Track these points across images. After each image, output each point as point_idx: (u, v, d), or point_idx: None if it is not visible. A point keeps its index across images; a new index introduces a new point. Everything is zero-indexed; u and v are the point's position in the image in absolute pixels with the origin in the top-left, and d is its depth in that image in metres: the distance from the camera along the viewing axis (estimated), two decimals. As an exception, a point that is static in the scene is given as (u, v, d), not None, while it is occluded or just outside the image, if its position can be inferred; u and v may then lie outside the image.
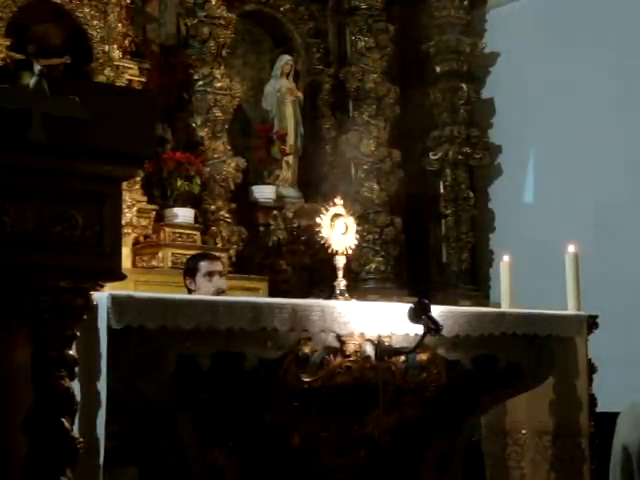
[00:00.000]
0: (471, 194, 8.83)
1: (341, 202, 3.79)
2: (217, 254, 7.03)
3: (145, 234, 7.22)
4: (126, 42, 7.39)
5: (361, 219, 7.61)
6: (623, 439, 3.01)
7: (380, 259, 8.46)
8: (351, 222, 3.78)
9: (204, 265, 5.14)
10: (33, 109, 2.10)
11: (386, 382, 3.49)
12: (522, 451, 4.30)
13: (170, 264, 7.04)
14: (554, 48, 8.09)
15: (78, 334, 2.34)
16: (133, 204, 7.01)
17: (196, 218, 7.47)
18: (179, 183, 7.29)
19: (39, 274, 2.22)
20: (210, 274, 5.11)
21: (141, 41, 7.68)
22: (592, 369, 4.27)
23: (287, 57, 8.59)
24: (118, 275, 2.35)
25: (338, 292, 3.74)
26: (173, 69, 7.87)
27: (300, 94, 8.62)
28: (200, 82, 7.73)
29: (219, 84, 7.75)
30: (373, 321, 3.45)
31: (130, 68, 7.31)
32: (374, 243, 8.43)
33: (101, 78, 6.99)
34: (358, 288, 7.70)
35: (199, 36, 7.74)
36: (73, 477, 2.25)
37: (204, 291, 5.03)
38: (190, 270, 5.21)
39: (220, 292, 5.05)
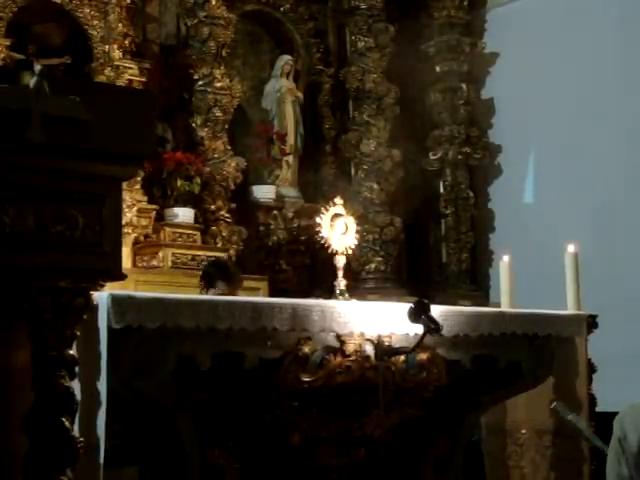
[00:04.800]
0: (471, 194, 8.83)
1: (341, 202, 3.79)
2: (218, 254, 7.05)
3: (145, 234, 7.22)
4: (126, 42, 7.39)
5: (361, 219, 7.60)
6: (622, 438, 3.02)
7: (380, 259, 8.46)
8: (351, 222, 3.79)
9: (221, 286, 5.08)
10: (33, 109, 2.10)
11: (386, 382, 3.49)
12: (522, 451, 4.31)
13: (170, 264, 7.04)
14: (554, 48, 8.09)
15: (78, 334, 2.34)
16: (133, 204, 7.01)
17: (196, 218, 7.47)
18: (179, 183, 7.30)
19: (39, 274, 2.22)
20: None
21: (141, 41, 7.68)
22: (592, 369, 4.27)
23: (287, 57, 8.59)
24: (118, 275, 2.35)
25: (338, 292, 3.75)
26: (173, 69, 7.88)
27: (300, 94, 8.62)
28: (200, 82, 7.73)
29: (219, 84, 7.75)
30: (373, 321, 3.45)
31: (130, 68, 7.32)
32: (374, 243, 8.44)
33: (101, 78, 6.99)
34: (358, 288, 7.70)
35: (199, 36, 7.74)
36: (73, 477, 2.25)
37: None
38: (207, 279, 5.16)
39: None
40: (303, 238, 8.06)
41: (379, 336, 3.47)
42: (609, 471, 3.08)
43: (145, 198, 7.23)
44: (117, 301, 2.84)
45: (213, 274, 5.21)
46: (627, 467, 3.00)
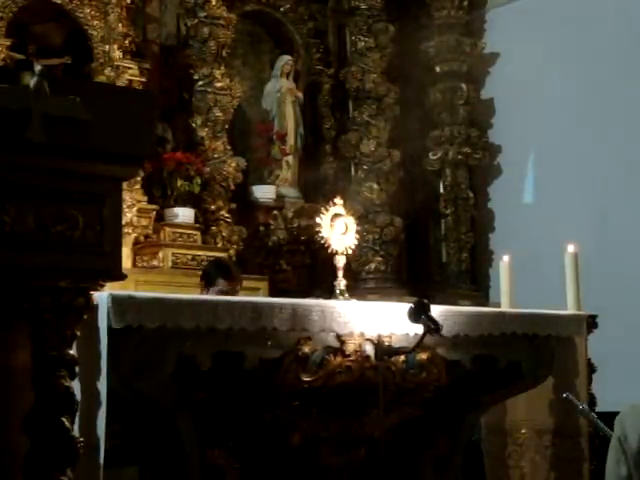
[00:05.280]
0: (471, 194, 8.83)
1: (341, 202, 3.80)
2: (218, 254, 7.06)
3: (145, 234, 7.22)
4: (126, 42, 7.39)
5: (361, 219, 7.61)
6: (622, 438, 3.02)
7: (380, 259, 8.46)
8: (351, 222, 3.79)
9: (222, 283, 5.08)
10: (33, 109, 2.10)
11: (386, 382, 3.50)
12: (522, 450, 4.31)
13: (170, 264, 7.04)
14: (554, 48, 8.09)
15: (78, 334, 2.34)
16: (133, 204, 7.01)
17: (196, 218, 7.47)
18: (179, 183, 7.30)
19: (39, 274, 2.22)
20: (225, 293, 5.03)
21: (141, 41, 7.68)
22: (592, 369, 4.28)
23: (287, 57, 8.59)
24: (118, 275, 2.35)
25: (338, 292, 3.75)
26: (173, 69, 7.88)
27: (300, 94, 8.63)
28: (200, 82, 7.74)
29: (219, 84, 7.75)
30: (373, 321, 3.45)
31: (130, 68, 7.32)
32: (374, 243, 8.44)
33: (101, 78, 7.00)
34: (358, 288, 7.70)
35: (199, 36, 7.74)
36: (73, 477, 2.25)
37: None
38: (207, 278, 5.16)
39: None
40: (303, 238, 8.06)
41: (379, 336, 3.47)
42: (608, 471, 3.08)
43: (145, 198, 7.24)
44: (117, 301, 2.85)
45: (213, 273, 5.21)
46: (626, 467, 3.00)
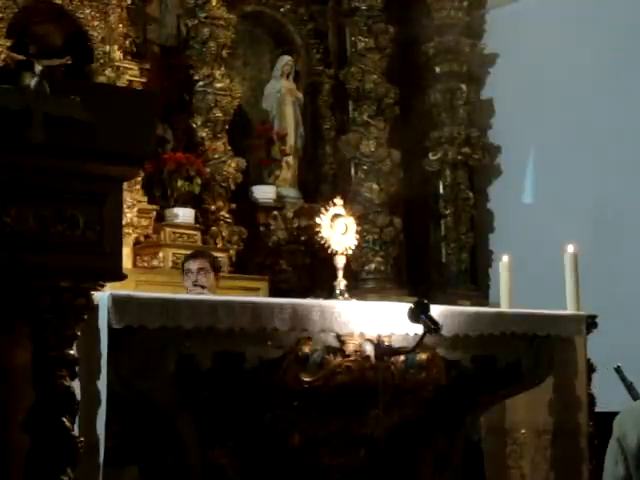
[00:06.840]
0: (470, 194, 8.84)
1: (341, 202, 3.80)
2: (218, 254, 7.08)
3: (146, 234, 7.23)
4: (127, 43, 7.40)
5: (361, 219, 7.60)
6: (622, 438, 3.02)
7: (380, 259, 8.46)
8: (351, 222, 3.79)
9: (186, 265, 5.17)
10: (34, 109, 2.10)
11: (386, 382, 3.50)
12: (521, 450, 4.31)
13: (171, 264, 7.05)
14: (554, 48, 8.09)
15: (79, 334, 2.35)
16: (134, 204, 7.02)
17: (196, 218, 7.48)
18: (179, 183, 7.31)
19: (39, 274, 2.22)
20: (189, 272, 5.10)
21: (141, 42, 7.68)
22: (591, 369, 4.28)
23: (287, 58, 8.60)
24: (119, 275, 2.35)
25: (338, 292, 3.75)
26: (173, 70, 7.89)
27: (300, 94, 8.63)
28: (200, 83, 7.75)
29: (219, 85, 7.76)
30: (373, 321, 3.46)
31: (130, 69, 7.32)
32: (374, 243, 8.44)
33: (102, 79, 7.00)
34: (358, 288, 7.71)
35: (199, 37, 7.75)
36: (74, 476, 2.26)
37: (187, 289, 5.05)
38: (183, 272, 5.25)
39: (201, 288, 5.01)
40: (303, 238, 8.07)
41: (379, 336, 3.48)
42: (606, 471, 3.09)
43: (145, 198, 7.24)
44: (117, 301, 2.85)
45: (184, 263, 5.27)
46: (624, 467, 3.00)
